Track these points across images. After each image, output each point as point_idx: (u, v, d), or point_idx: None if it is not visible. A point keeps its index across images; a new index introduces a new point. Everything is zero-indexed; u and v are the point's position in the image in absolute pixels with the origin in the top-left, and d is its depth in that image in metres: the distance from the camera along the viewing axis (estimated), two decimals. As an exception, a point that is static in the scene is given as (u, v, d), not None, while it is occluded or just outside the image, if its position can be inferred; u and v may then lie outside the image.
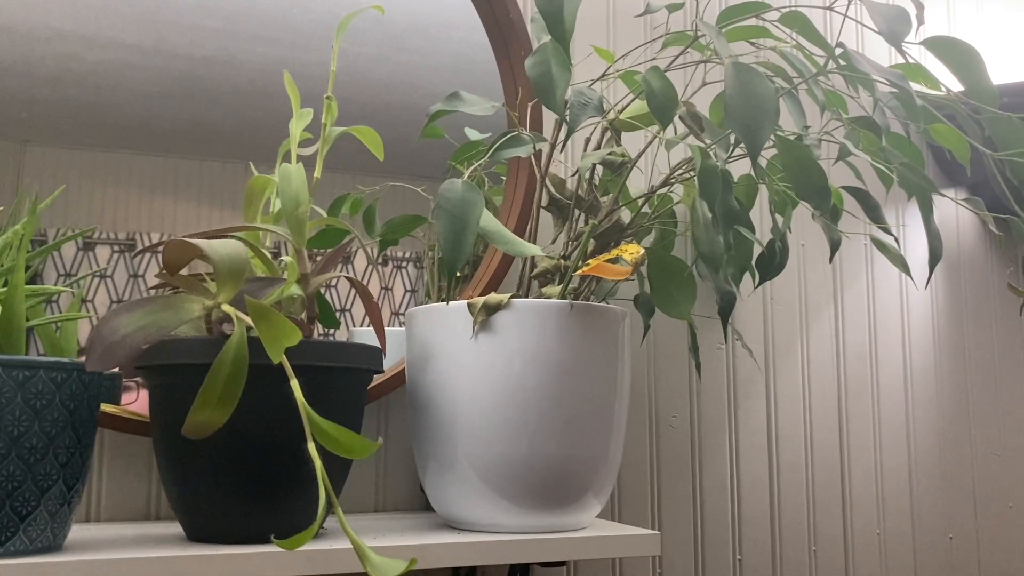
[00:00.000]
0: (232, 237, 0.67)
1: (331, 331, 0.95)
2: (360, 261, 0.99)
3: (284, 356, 0.58)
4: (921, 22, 0.63)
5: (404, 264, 1.00)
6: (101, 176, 0.89)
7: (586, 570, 0.99)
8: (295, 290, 0.70)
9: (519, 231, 0.93)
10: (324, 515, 0.54)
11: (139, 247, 0.89)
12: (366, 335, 0.96)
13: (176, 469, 0.66)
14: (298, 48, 0.97)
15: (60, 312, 0.84)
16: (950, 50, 0.65)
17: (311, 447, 0.56)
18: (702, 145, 0.68)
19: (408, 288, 0.99)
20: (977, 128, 0.66)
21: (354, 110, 0.98)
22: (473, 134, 1.01)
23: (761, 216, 1.08)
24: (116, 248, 0.88)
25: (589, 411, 0.75)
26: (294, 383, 0.57)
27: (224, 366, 0.58)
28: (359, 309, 0.96)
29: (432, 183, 1.00)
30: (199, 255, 0.64)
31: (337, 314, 0.95)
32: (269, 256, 0.72)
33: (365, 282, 0.96)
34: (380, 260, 0.99)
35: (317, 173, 0.73)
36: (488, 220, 0.63)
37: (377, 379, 0.90)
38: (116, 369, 0.82)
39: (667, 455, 1.03)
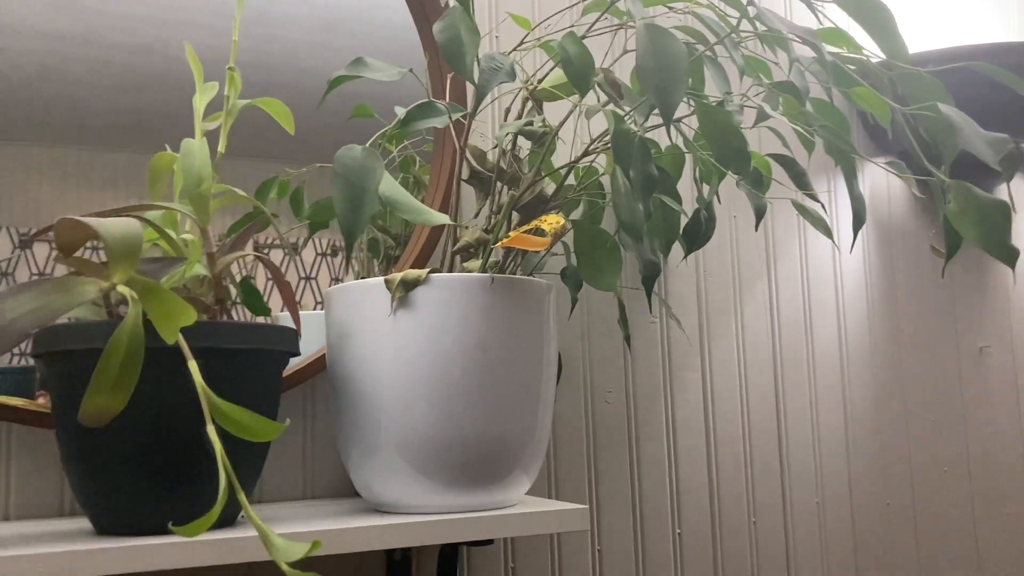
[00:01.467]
0: (134, 217, 0.64)
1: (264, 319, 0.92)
2: (308, 253, 0.96)
3: (183, 338, 0.56)
4: (827, -22, 0.62)
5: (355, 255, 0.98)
6: (36, 171, 0.85)
7: (523, 547, 0.97)
8: (200, 270, 0.67)
9: (444, 207, 0.91)
10: (224, 499, 0.52)
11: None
12: (305, 319, 0.93)
13: (78, 460, 0.63)
14: (228, 35, 0.93)
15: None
16: (861, 7, 0.64)
17: (210, 429, 0.53)
18: (617, 111, 0.67)
19: (334, 278, 0.96)
20: (890, 87, 0.66)
21: (295, 97, 0.95)
22: (403, 112, 0.98)
23: (690, 187, 1.07)
24: (55, 246, 0.84)
25: (515, 387, 0.73)
26: (191, 364, 0.55)
27: (118, 349, 0.55)
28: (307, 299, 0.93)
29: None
30: (92, 235, 0.61)
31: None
32: (175, 237, 0.69)
33: (285, 270, 0.93)
34: (329, 251, 0.97)
35: (221, 148, 0.70)
36: (392, 188, 0.61)
37: (298, 363, 0.87)
38: (9, 355, 0.78)
39: (603, 430, 1.03)
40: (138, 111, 0.88)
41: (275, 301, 0.92)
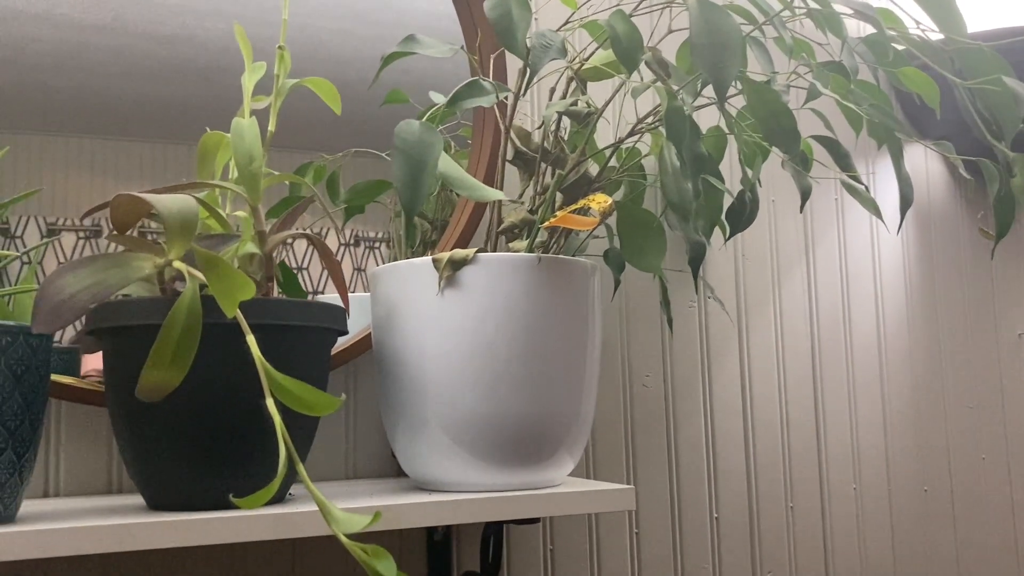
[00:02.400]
0: (187, 194, 0.64)
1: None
2: (331, 242, 0.96)
3: (239, 312, 0.56)
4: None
5: (377, 245, 0.98)
6: (63, 161, 0.86)
7: (562, 528, 0.98)
8: (251, 247, 0.67)
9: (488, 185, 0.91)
10: (284, 471, 0.52)
11: (105, 234, 0.86)
12: (332, 301, 0.93)
13: (132, 435, 0.63)
14: (260, 24, 0.94)
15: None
16: (917, -18, 0.63)
17: (269, 403, 0.54)
18: (669, 88, 0.66)
19: (356, 268, 0.96)
20: (948, 63, 0.65)
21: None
22: (438, 97, 0.97)
23: (732, 170, 1.07)
24: (81, 235, 0.85)
25: (560, 367, 0.73)
26: (250, 338, 0.55)
27: (176, 324, 0.56)
28: (315, 274, 0.94)
29: (386, 136, 0.97)
30: (148, 211, 0.61)
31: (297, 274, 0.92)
32: (224, 215, 0.70)
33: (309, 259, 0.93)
34: (352, 240, 0.97)
35: (271, 126, 0.70)
36: (448, 164, 0.61)
37: (344, 342, 0.87)
38: (62, 333, 0.79)
39: (641, 414, 1.03)
40: (164, 101, 0.89)
41: (306, 283, 0.92)
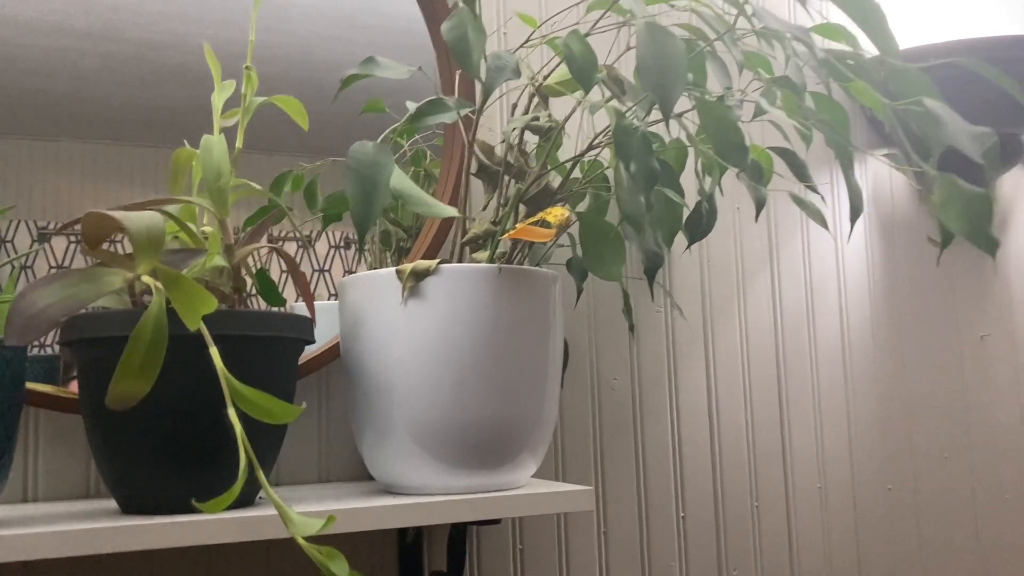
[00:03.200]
0: (156, 210, 0.67)
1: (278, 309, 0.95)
2: (322, 245, 0.98)
3: (203, 325, 0.59)
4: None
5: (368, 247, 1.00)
6: (53, 166, 0.88)
7: (531, 528, 1.00)
8: (219, 261, 0.70)
9: (454, 199, 0.94)
10: (245, 476, 0.55)
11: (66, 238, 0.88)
12: (320, 309, 0.96)
13: (104, 443, 0.66)
14: (248, 30, 0.96)
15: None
16: (855, 6, 0.66)
17: (231, 412, 0.56)
18: (619, 107, 0.69)
19: (347, 270, 0.99)
20: (881, 84, 0.68)
21: (309, 91, 0.97)
22: (414, 107, 1.01)
23: (694, 180, 1.10)
24: (73, 239, 0.88)
25: (521, 372, 0.76)
26: (213, 350, 0.58)
27: (143, 336, 0.58)
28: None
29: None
30: (117, 227, 0.64)
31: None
32: (194, 229, 0.72)
33: (299, 262, 0.96)
34: (343, 243, 0.99)
35: (238, 143, 0.73)
36: (402, 181, 0.64)
37: (313, 351, 0.90)
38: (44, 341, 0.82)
39: (609, 416, 1.05)
40: (154, 105, 0.91)
41: (289, 291, 0.95)
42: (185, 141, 0.91)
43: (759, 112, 0.72)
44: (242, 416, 0.57)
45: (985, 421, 1.28)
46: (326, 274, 0.97)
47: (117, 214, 0.62)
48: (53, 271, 0.87)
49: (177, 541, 0.62)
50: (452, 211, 0.64)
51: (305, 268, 0.95)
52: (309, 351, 0.90)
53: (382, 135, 0.68)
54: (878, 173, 1.26)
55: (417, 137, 1.04)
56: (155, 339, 0.59)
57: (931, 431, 1.24)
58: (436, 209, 0.63)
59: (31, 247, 0.87)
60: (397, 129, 1.00)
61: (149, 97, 0.91)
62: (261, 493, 0.79)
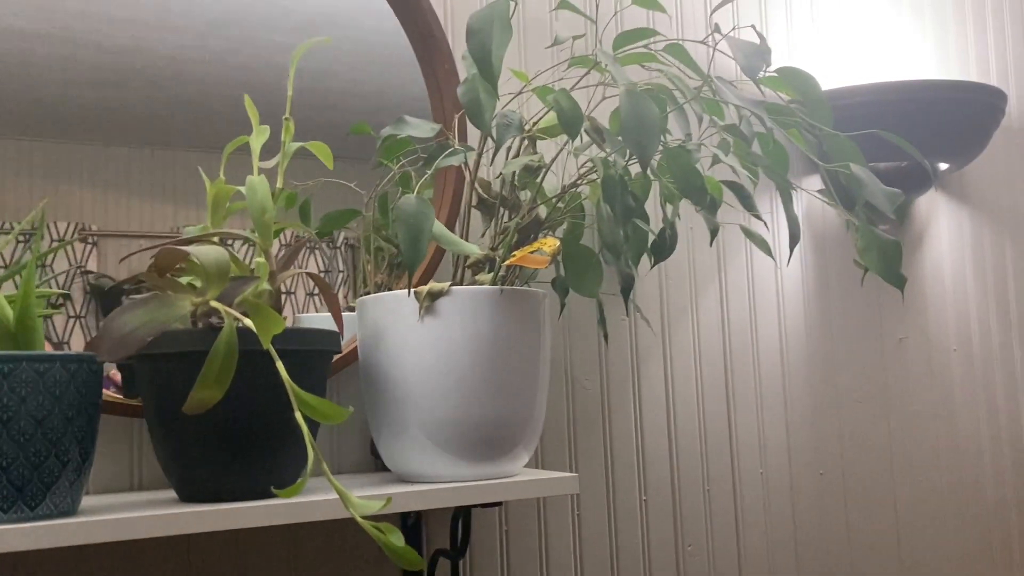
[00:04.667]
0: (211, 243, 0.78)
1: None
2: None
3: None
4: (768, 63, 0.79)
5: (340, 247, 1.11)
6: (12, 166, 0.91)
7: (516, 512, 1.14)
8: (264, 285, 0.82)
9: (449, 225, 1.07)
10: (312, 468, 0.67)
11: (50, 236, 0.93)
12: (314, 320, 1.08)
13: (173, 441, 0.78)
14: (207, 36, 1.00)
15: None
16: (793, 78, 0.81)
17: (298, 416, 0.69)
18: (605, 157, 0.83)
19: (339, 270, 1.10)
20: (817, 145, 0.84)
21: (272, 97, 1.02)
22: (414, 122, 1.06)
23: (655, 206, 1.24)
24: (20, 239, 0.91)
25: (517, 378, 0.90)
26: (279, 364, 0.70)
27: (219, 352, 0.70)
28: (299, 295, 1.07)
29: (351, 163, 1.07)
30: (185, 258, 0.75)
31: (283, 297, 1.07)
32: (241, 260, 0.84)
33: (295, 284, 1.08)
34: (321, 246, 1.10)
35: (279, 183, 0.85)
36: (438, 227, 0.77)
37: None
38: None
39: (581, 412, 1.19)
40: (107, 106, 0.94)
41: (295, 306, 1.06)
42: (222, 175, 1.02)
43: (715, 161, 0.87)
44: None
45: (903, 413, 1.45)
46: (316, 297, 1.07)
47: (190, 248, 0.74)
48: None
49: (241, 523, 0.74)
50: (475, 249, 0.77)
51: (301, 290, 1.06)
52: (326, 359, 1.02)
53: (413, 185, 0.81)
54: (813, 203, 1.42)
55: (404, 160, 1.16)
56: (228, 354, 0.71)
57: (857, 421, 1.40)
58: (464, 247, 0.76)
59: (14, 249, 0.92)
60: (383, 149, 1.08)
61: (106, 99, 0.94)
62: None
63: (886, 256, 0.72)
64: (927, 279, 1.49)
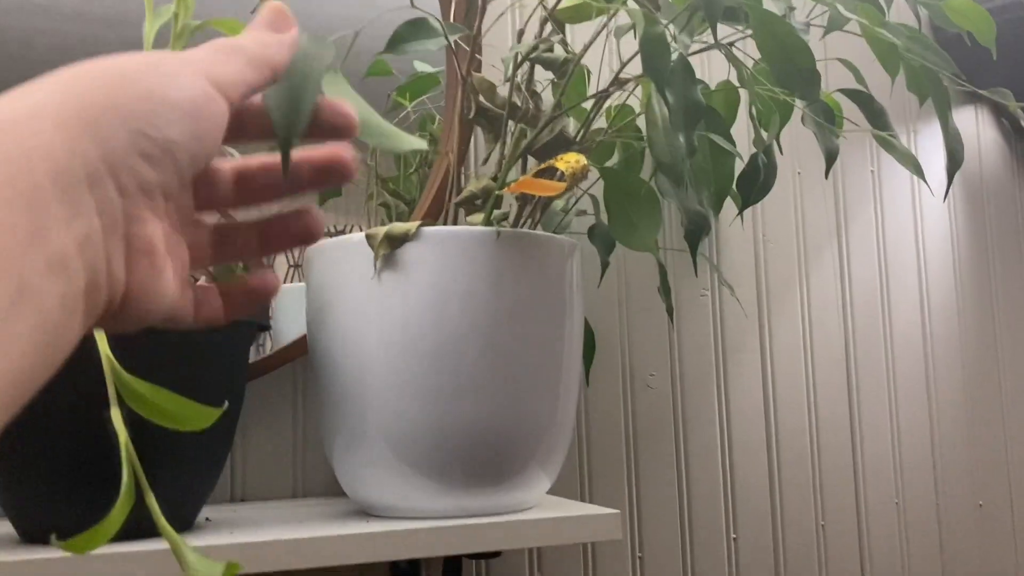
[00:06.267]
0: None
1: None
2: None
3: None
4: None
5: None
6: None
7: (552, 555, 0.87)
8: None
9: (458, 157, 0.79)
10: (127, 503, 0.40)
11: None
12: (293, 291, 0.83)
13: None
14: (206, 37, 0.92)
15: None
16: None
17: (114, 413, 0.42)
18: (646, 9, 0.54)
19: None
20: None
21: None
22: (423, 67, 0.93)
23: (747, 133, 0.95)
24: None
25: (529, 366, 0.62)
26: (98, 336, 0.43)
27: None
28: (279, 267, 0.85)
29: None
30: None
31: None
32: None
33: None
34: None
35: (168, 76, 0.59)
36: (353, 98, 0.49)
37: (283, 340, 0.76)
38: None
39: (644, 420, 0.94)
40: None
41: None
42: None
43: (835, 24, 0.56)
44: (138, 419, 0.43)
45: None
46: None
47: None
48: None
49: (67, 583, 0.48)
50: (419, 143, 0.49)
51: (281, 263, 0.84)
52: (278, 340, 0.77)
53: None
54: (965, 131, 1.15)
55: (424, 97, 0.95)
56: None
57: (1029, 437, 1.17)
58: (397, 141, 0.48)
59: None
60: (401, 88, 0.90)
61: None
62: (206, 514, 0.65)
63: None
64: None
